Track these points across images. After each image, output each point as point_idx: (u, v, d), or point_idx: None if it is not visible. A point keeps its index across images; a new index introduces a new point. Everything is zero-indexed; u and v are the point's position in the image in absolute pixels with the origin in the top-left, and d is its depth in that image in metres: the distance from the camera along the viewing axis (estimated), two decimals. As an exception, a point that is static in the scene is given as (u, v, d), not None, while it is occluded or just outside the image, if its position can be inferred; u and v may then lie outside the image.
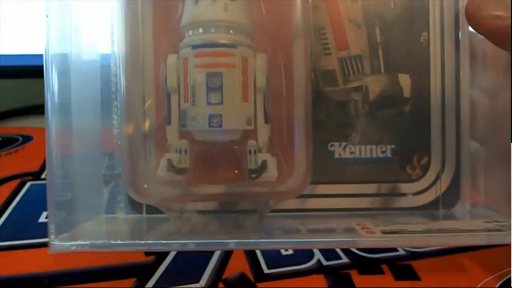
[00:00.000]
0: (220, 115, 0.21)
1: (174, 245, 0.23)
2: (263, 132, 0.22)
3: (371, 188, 0.26)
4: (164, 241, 0.22)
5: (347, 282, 0.26)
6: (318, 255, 0.28)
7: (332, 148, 0.26)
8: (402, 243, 0.25)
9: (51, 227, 0.22)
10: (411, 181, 0.26)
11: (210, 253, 0.28)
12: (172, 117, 0.22)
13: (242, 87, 0.21)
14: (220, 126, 0.21)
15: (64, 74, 0.23)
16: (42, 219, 0.33)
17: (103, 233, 0.25)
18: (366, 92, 0.25)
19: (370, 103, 0.25)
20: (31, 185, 0.38)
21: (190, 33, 0.22)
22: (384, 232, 0.22)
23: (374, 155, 0.26)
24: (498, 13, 0.21)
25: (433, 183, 0.26)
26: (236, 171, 0.23)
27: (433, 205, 0.26)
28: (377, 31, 0.25)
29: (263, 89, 0.22)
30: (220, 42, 0.21)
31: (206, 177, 0.23)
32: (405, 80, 0.25)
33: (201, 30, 0.21)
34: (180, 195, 0.23)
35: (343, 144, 0.26)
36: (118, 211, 0.26)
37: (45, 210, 0.25)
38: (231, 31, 0.21)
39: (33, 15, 0.45)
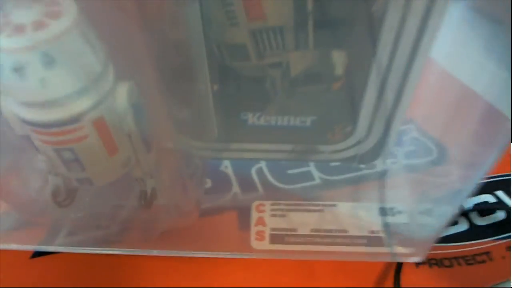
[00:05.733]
0: (87, 178, 0.20)
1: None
2: (147, 162, 0.21)
3: (286, 146, 0.26)
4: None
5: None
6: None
7: (245, 117, 0.24)
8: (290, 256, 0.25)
9: None
10: (330, 143, 0.25)
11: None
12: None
13: (105, 146, 0.19)
14: (92, 184, 0.20)
15: None
16: None
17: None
18: (286, 68, 0.22)
19: (291, 80, 0.22)
20: None
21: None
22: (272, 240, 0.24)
23: (291, 124, 0.25)
24: None
25: (354, 145, 0.25)
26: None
27: (351, 160, 0.26)
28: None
29: (133, 131, 0.19)
30: (62, 121, 0.17)
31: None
32: (339, 57, 0.21)
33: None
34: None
35: (257, 114, 0.24)
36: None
37: None
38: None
39: None
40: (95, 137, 0.18)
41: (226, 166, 0.29)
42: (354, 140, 0.25)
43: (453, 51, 0.22)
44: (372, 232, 0.25)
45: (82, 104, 0.17)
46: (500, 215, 0.27)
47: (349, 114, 0.24)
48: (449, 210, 0.22)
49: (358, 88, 0.23)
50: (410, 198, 0.27)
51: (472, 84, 0.21)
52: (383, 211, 0.26)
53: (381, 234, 0.25)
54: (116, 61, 0.18)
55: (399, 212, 0.26)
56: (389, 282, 0.24)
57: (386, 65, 0.21)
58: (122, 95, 0.18)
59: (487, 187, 0.28)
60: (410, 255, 0.24)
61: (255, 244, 0.24)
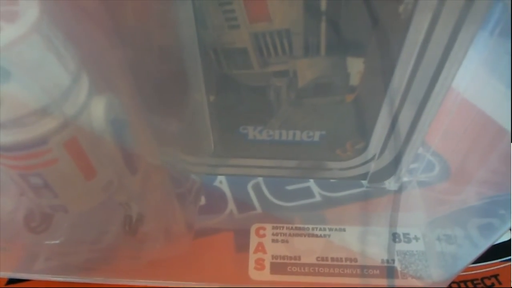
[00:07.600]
0: (61, 205, 0.17)
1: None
2: (132, 184, 0.19)
3: (290, 163, 0.23)
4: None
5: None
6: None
7: (245, 131, 0.22)
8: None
9: None
10: (339, 160, 0.23)
11: None
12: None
13: (80, 169, 0.16)
14: (67, 211, 0.17)
15: None
16: None
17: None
18: (293, 77, 0.19)
19: (298, 90, 0.20)
20: None
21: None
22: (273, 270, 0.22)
23: (297, 139, 0.22)
24: None
25: (365, 163, 0.23)
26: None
27: (361, 177, 0.24)
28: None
29: (114, 151, 0.17)
30: (24, 143, 0.14)
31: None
32: (356, 66, 0.18)
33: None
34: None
35: (259, 128, 0.21)
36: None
37: None
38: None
39: None
40: (66, 161, 0.15)
41: (221, 182, 0.26)
42: (366, 158, 0.23)
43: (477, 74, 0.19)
44: (385, 261, 0.22)
45: (47, 124, 0.14)
46: (506, 235, 0.25)
47: (362, 130, 0.21)
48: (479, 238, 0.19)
49: (374, 101, 0.20)
50: (427, 222, 0.24)
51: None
52: (396, 237, 0.23)
53: (395, 264, 0.22)
54: (91, 71, 0.15)
55: (416, 239, 0.23)
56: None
57: (408, 76, 0.18)
58: (98, 111, 0.15)
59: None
60: (427, 288, 0.22)
61: (253, 274, 0.22)
